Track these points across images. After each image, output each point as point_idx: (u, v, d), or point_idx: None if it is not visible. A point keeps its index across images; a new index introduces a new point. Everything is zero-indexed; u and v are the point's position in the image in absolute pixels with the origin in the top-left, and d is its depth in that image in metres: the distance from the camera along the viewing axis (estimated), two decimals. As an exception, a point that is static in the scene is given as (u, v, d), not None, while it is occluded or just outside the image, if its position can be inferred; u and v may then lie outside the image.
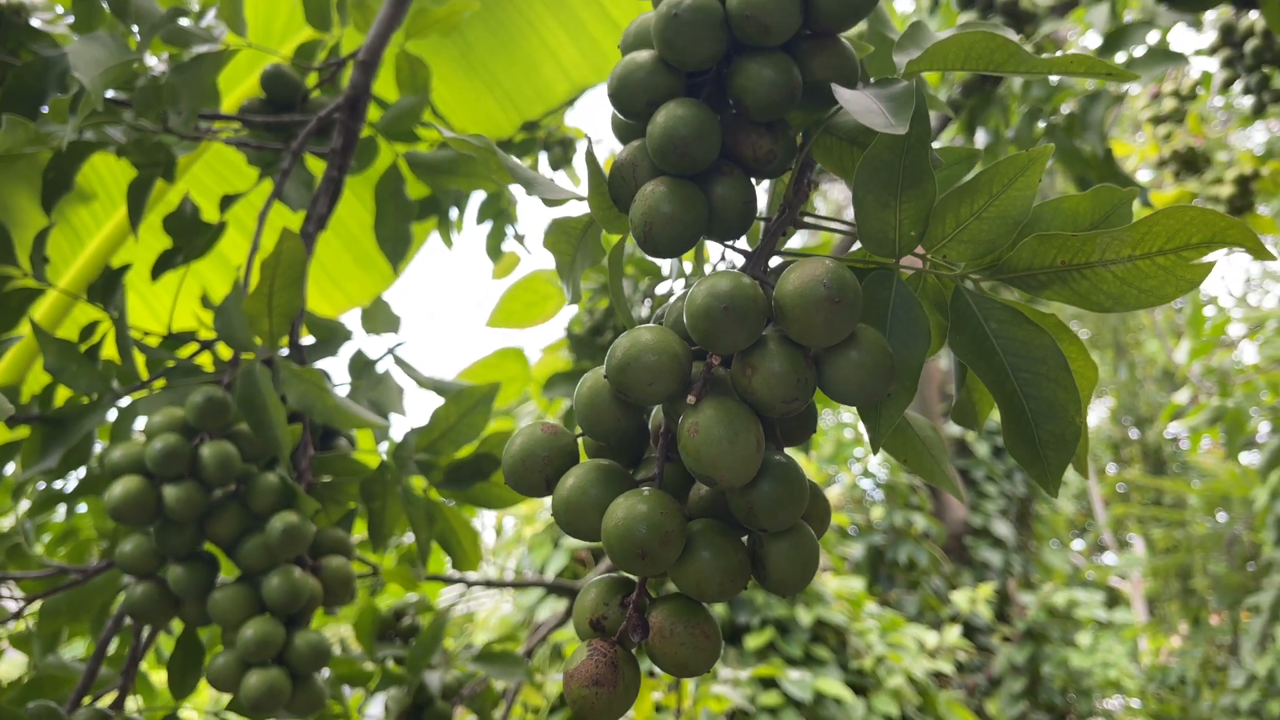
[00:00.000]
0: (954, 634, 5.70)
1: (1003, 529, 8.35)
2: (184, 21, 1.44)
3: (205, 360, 1.48)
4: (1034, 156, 0.66)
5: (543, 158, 2.89)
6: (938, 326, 0.73)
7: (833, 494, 7.48)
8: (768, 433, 0.69)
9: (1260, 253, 0.62)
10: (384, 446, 1.51)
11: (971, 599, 6.82)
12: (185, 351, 1.52)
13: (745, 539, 0.69)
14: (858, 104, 0.66)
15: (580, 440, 0.73)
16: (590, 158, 0.74)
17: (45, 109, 1.41)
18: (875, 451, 0.70)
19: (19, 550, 1.64)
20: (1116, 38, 2.08)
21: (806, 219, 0.75)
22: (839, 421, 8.41)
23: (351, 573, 1.33)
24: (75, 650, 2.44)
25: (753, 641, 5.18)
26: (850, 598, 5.73)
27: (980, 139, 2.43)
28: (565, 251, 0.88)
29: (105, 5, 1.39)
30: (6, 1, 1.49)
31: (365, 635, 1.95)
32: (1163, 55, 2.02)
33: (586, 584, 0.72)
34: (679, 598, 0.67)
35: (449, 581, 2.55)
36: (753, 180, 0.73)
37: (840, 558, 6.71)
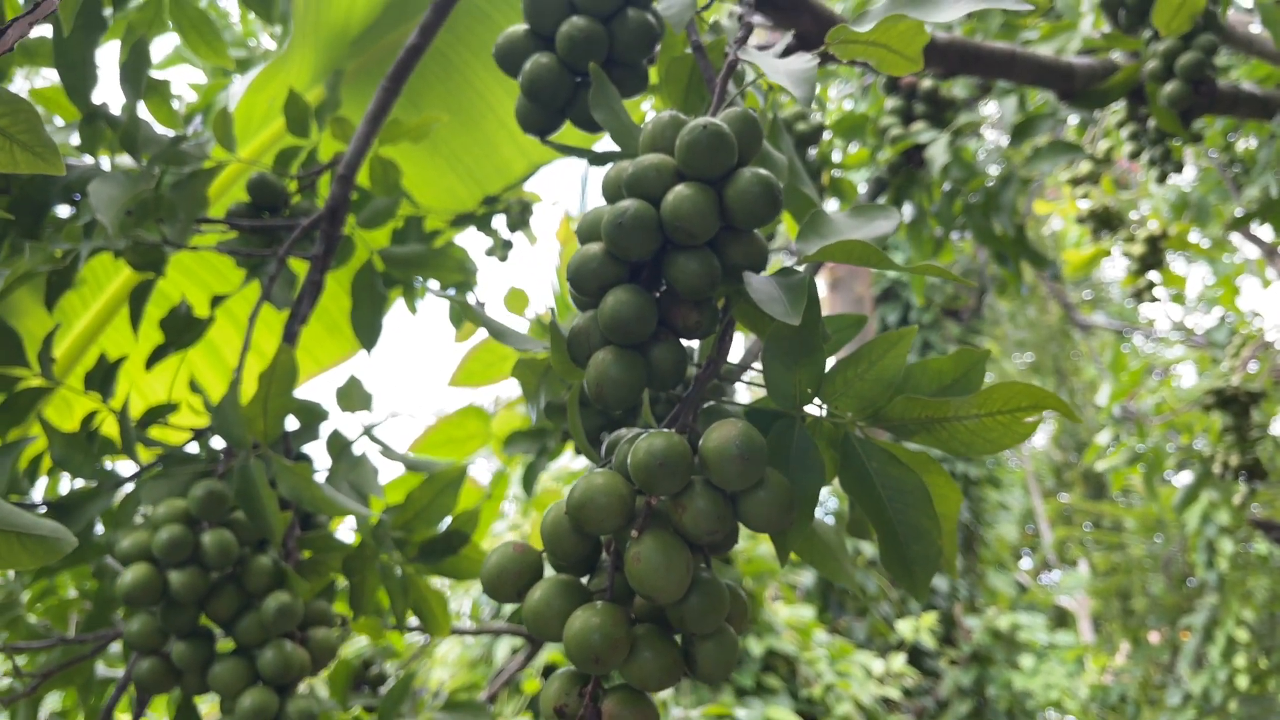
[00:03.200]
0: (899, 662, 5.90)
1: (948, 554, 8.59)
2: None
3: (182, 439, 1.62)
4: (902, 335, 0.84)
5: (500, 220, 3.06)
6: (832, 461, 0.91)
7: (782, 527, 7.67)
8: (696, 552, 0.86)
9: (1071, 416, 0.80)
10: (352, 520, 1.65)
11: (915, 627, 7.04)
12: (180, 437, 1.66)
13: (679, 638, 0.86)
14: (763, 292, 0.84)
15: (544, 556, 0.90)
16: (553, 327, 0.91)
17: (60, 217, 1.55)
18: (783, 564, 0.88)
19: (19, 621, 1.76)
20: (1024, 128, 2.30)
21: (724, 373, 0.93)
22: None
23: (335, 642, 1.48)
24: (49, 704, 2.53)
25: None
26: (800, 627, 5.92)
27: (907, 212, 2.64)
28: (530, 383, 1.05)
29: (109, 128, 1.53)
30: (10, 116, 1.63)
31: (339, 686, 2.08)
32: (1064, 147, 2.23)
33: (555, 675, 0.88)
34: (626, 688, 0.84)
35: (415, 629, 2.68)
36: (683, 342, 0.91)
37: (790, 586, 6.90)
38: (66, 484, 2.04)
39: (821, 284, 10.00)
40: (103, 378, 1.64)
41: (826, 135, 2.73)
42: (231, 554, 1.35)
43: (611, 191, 0.93)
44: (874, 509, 0.86)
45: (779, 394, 0.87)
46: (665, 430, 0.82)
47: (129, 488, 1.52)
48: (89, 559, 1.64)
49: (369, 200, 1.88)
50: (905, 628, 7.16)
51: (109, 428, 1.74)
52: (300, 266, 1.73)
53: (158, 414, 1.69)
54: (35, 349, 1.80)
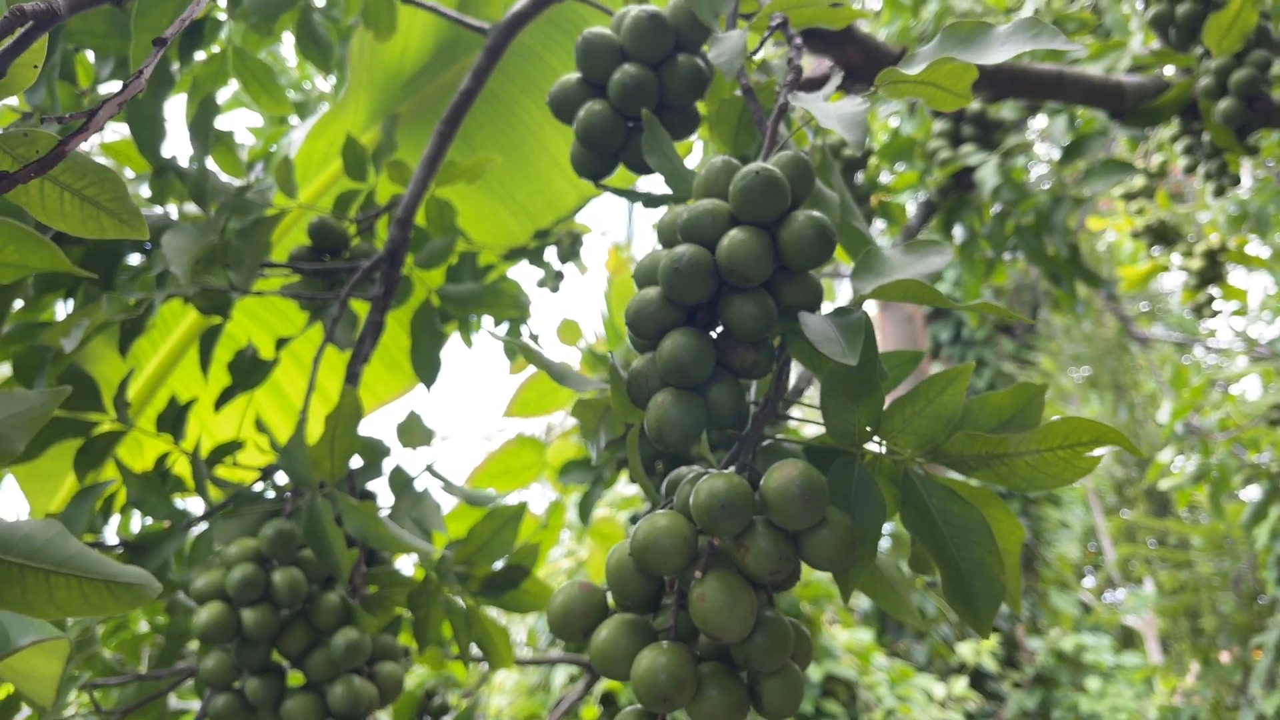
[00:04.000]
0: (961, 685, 5.81)
1: (1009, 575, 8.44)
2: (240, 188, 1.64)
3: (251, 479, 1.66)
4: (959, 372, 0.85)
5: (552, 252, 3.10)
6: (893, 499, 0.91)
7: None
8: (759, 590, 0.87)
9: (1133, 451, 0.80)
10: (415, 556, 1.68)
11: (976, 650, 6.93)
12: (248, 476, 1.70)
13: (745, 675, 0.87)
14: (819, 332, 0.85)
15: (609, 594, 0.91)
16: (613, 369, 0.93)
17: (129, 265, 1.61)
18: (846, 602, 0.88)
19: (97, 657, 1.82)
20: (1075, 148, 2.29)
21: (783, 414, 0.94)
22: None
23: (402, 676, 1.51)
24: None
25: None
26: (859, 650, 5.86)
27: (958, 234, 2.63)
28: (590, 422, 1.07)
29: (178, 180, 1.59)
30: (84, 170, 1.70)
31: (404, 717, 2.11)
32: (1117, 166, 2.22)
33: (623, 713, 0.89)
34: (693, 727, 0.85)
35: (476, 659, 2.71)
36: (741, 382, 0.92)
37: (848, 609, 6.83)
38: (137, 521, 2.10)
39: (871, 305, 9.96)
40: (174, 420, 1.69)
41: (872, 159, 2.74)
42: (301, 592, 1.38)
43: (667, 236, 0.95)
44: (936, 545, 0.86)
45: (838, 432, 0.88)
46: (726, 471, 0.83)
47: (202, 526, 1.57)
48: (163, 595, 1.69)
49: (426, 241, 1.93)
50: (966, 650, 7.04)
51: (181, 467, 1.80)
52: (361, 307, 1.77)
53: (224, 452, 1.74)
54: (109, 393, 1.87)
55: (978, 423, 0.89)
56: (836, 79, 1.01)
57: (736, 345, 0.91)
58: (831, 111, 0.87)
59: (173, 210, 1.71)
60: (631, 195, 1.15)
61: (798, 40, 1.01)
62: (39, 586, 0.80)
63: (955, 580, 0.86)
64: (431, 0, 1.80)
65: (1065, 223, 2.27)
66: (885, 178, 2.96)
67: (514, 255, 2.60)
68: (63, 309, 1.70)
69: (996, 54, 0.86)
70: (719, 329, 0.92)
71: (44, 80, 1.37)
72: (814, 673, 5.41)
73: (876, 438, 0.88)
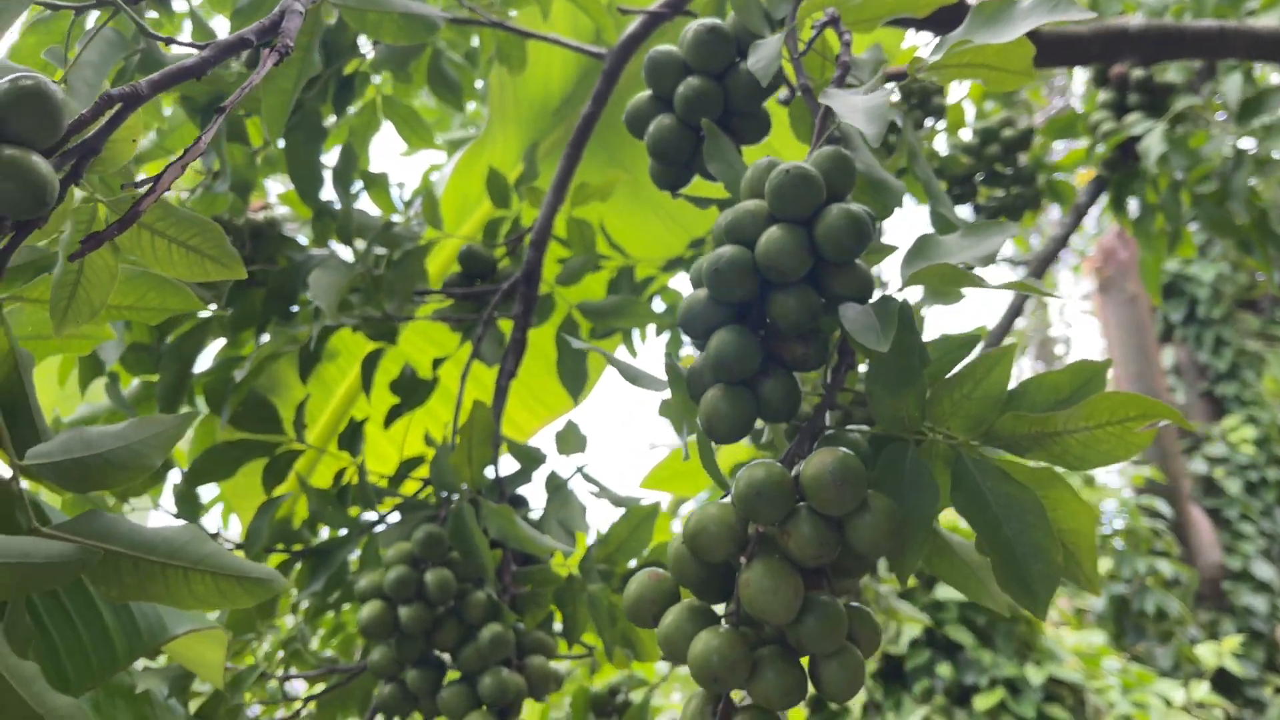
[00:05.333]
0: (1202, 689, 5.37)
1: (1265, 571, 7.73)
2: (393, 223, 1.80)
3: (428, 492, 1.81)
4: (1003, 353, 0.84)
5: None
6: (946, 483, 0.91)
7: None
8: (817, 577, 0.89)
9: (1184, 425, 0.77)
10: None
11: (1218, 652, 6.38)
12: (413, 487, 1.86)
13: (806, 659, 0.89)
14: (857, 321, 0.87)
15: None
16: (671, 369, 0.98)
17: (296, 306, 1.80)
18: (903, 585, 0.89)
19: (299, 653, 2.02)
20: (1252, 106, 2.12)
21: (840, 404, 0.96)
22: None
23: (550, 669, 1.60)
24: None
25: (982, 703, 5.12)
26: (1088, 653, 5.53)
27: (1132, 208, 2.49)
28: (677, 421, 1.12)
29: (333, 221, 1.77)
30: (263, 218, 1.91)
31: (579, 711, 2.22)
32: (1300, 120, 2.04)
33: (691, 696, 0.94)
34: (754, 707, 0.88)
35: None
36: (795, 375, 0.95)
37: (1071, 614, 6.46)
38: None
39: (1090, 285, 9.36)
40: (351, 438, 1.87)
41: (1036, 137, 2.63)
42: (451, 590, 1.50)
43: (718, 238, 0.99)
44: (989, 528, 0.86)
45: (887, 419, 0.89)
46: (766, 460, 0.87)
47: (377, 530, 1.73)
48: (346, 597, 1.87)
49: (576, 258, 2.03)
50: (1205, 652, 6.50)
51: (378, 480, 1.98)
52: (508, 326, 1.89)
53: (409, 469, 1.90)
54: (312, 418, 2.08)
55: (1034, 403, 0.88)
56: (879, 78, 1.01)
57: (785, 339, 0.94)
58: (855, 105, 0.89)
59: (343, 250, 1.90)
60: (708, 203, 1.20)
61: (847, 36, 1.03)
62: (179, 582, 0.93)
63: (1010, 563, 0.85)
64: (555, 33, 1.91)
65: (1246, 188, 2.11)
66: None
67: (671, 266, 2.68)
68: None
69: (1017, 29, 0.85)
70: (768, 326, 0.95)
71: (214, 144, 1.56)
72: (1035, 676, 5.16)
73: (928, 423, 0.89)
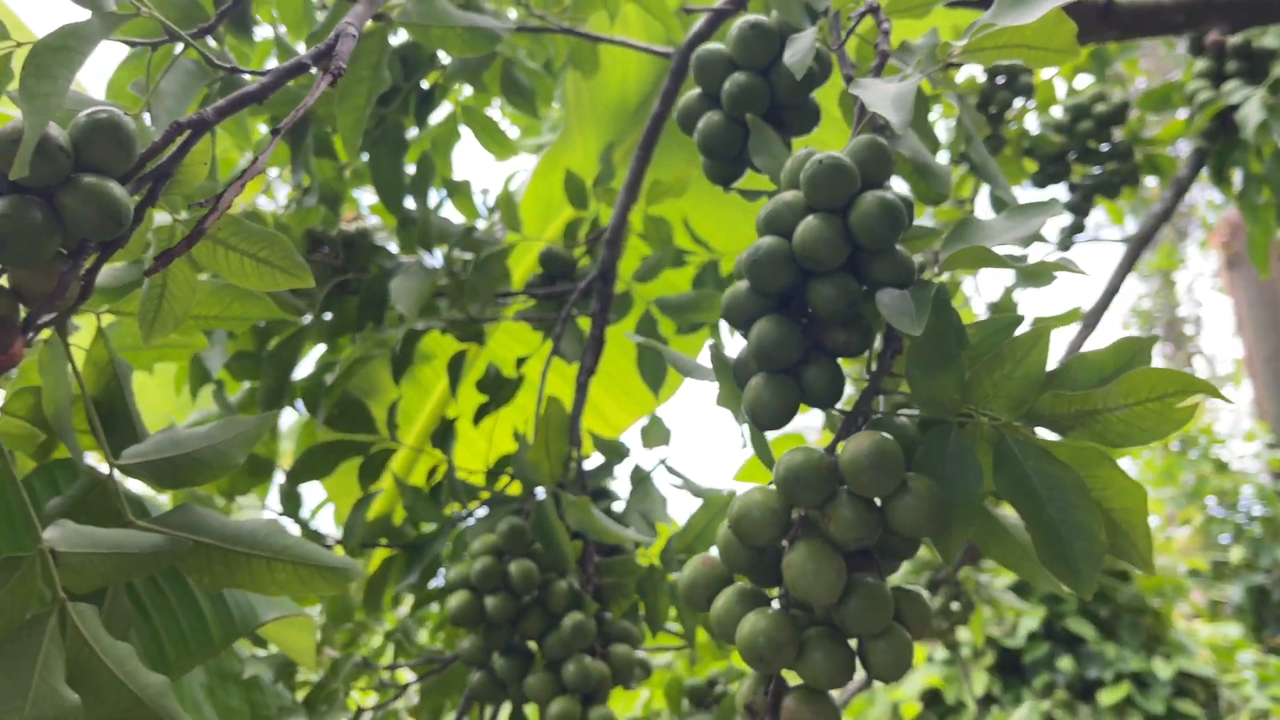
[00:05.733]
0: (1345, 685, 5.08)
1: None
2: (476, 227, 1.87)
3: (516, 488, 1.87)
4: (1040, 333, 0.84)
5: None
6: (989, 464, 0.91)
7: (1183, 537, 6.91)
8: (863, 560, 0.91)
9: (1224, 399, 0.76)
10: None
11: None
12: (501, 482, 1.92)
13: (854, 640, 0.91)
14: (892, 306, 0.88)
15: (733, 568, 0.99)
16: (716, 358, 1.01)
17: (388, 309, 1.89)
18: (949, 565, 0.90)
19: (402, 644, 2.12)
20: (1359, 66, 2.01)
21: (886, 392, 0.97)
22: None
23: (635, 657, 1.64)
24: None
25: (1107, 697, 4.95)
26: (1222, 646, 5.30)
27: (1236, 180, 2.39)
28: (736, 409, 1.15)
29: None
30: (355, 229, 2.00)
31: (672, 701, 2.26)
32: None
33: (746, 677, 0.97)
34: (805, 687, 0.91)
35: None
36: (839, 363, 0.96)
37: (1202, 607, 6.18)
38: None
39: (1218, 261, 8.93)
40: (443, 436, 1.95)
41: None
42: (534, 580, 1.55)
43: (760, 230, 1.01)
44: (1032, 509, 0.86)
45: (927, 401, 0.90)
46: (806, 446, 0.88)
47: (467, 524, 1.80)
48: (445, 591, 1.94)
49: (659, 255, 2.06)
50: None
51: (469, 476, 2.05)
52: (589, 325, 1.94)
53: (504, 465, 1.97)
54: (408, 419, 2.17)
55: (1078, 382, 0.87)
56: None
57: (826, 326, 0.95)
58: (882, 92, 0.90)
59: (432, 257, 1.98)
60: (760, 195, 1.22)
61: (886, 25, 1.04)
62: (263, 570, 0.99)
63: (1054, 543, 0.85)
64: (627, 36, 1.94)
65: (1356, 151, 2.00)
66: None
67: (756, 258, 2.69)
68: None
69: (1041, 8, 0.85)
70: (810, 313, 0.96)
71: (301, 161, 1.66)
72: (1164, 670, 4.97)
73: (969, 405, 0.89)
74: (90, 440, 1.03)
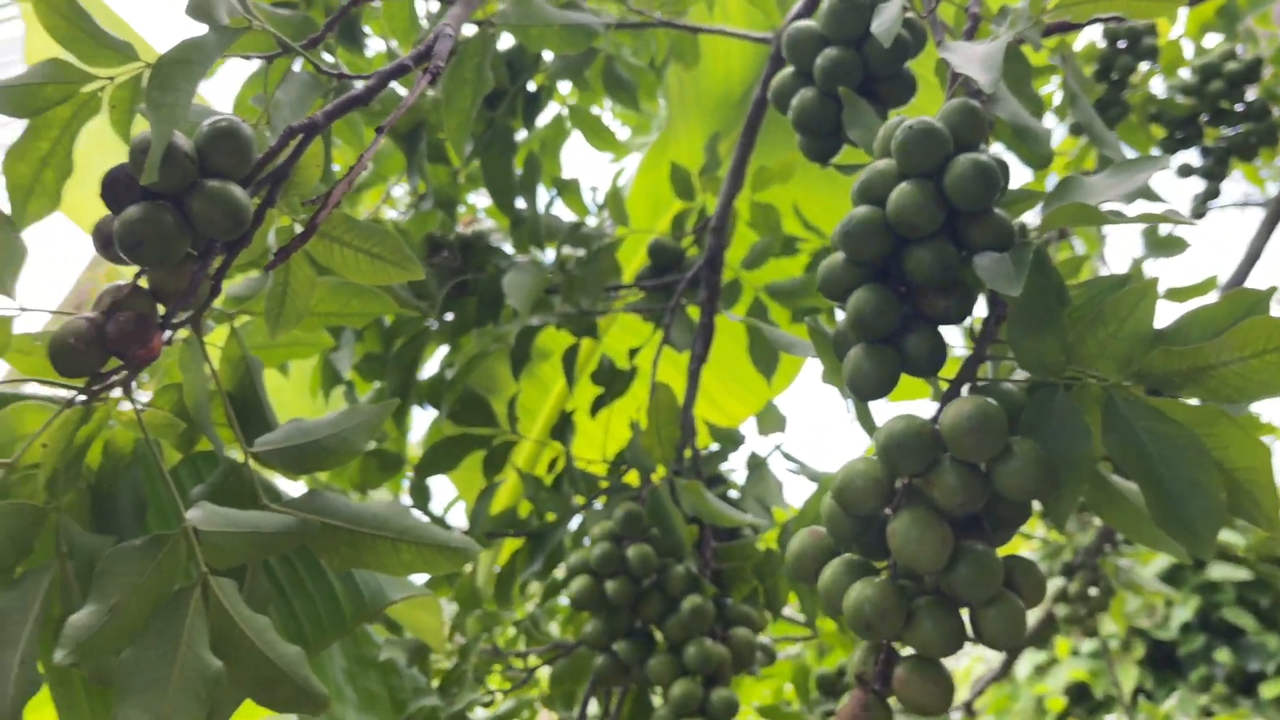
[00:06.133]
0: None
1: None
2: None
3: (632, 477, 1.90)
4: (1145, 288, 0.82)
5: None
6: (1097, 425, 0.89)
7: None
8: (972, 526, 0.90)
9: (1344, 345, 0.72)
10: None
11: None
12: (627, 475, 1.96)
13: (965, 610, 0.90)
14: (989, 269, 0.87)
15: (840, 539, 0.99)
16: (815, 333, 1.01)
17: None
18: (1061, 530, 0.88)
19: (531, 633, 2.17)
20: None
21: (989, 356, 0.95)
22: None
23: (755, 641, 1.65)
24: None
25: (1271, 690, 4.68)
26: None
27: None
28: (839, 383, 1.15)
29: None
30: (471, 231, 2.07)
31: (801, 690, 2.25)
32: None
33: (858, 647, 0.97)
34: (915, 656, 0.90)
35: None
36: (939, 330, 0.95)
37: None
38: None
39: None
40: (561, 428, 2.00)
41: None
42: (651, 564, 1.58)
43: (854, 200, 1.01)
44: (1144, 469, 0.83)
45: (1031, 364, 0.88)
46: (907, 413, 0.88)
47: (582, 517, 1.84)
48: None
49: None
50: None
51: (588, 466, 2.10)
52: (697, 313, 1.96)
53: (622, 455, 2.01)
54: (529, 414, 2.23)
55: (1189, 338, 0.84)
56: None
57: (925, 293, 0.94)
58: (970, 55, 0.89)
59: (549, 254, 2.04)
60: (854, 169, 1.21)
61: (979, -13, 1.02)
62: (389, 551, 1.04)
63: (1169, 503, 0.82)
64: (728, 25, 1.95)
65: None
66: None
67: (870, 242, 2.65)
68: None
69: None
70: (907, 280, 0.95)
71: (416, 168, 1.73)
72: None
73: (1075, 366, 0.87)
74: (228, 433, 1.10)
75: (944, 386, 1.07)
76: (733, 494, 1.83)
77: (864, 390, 0.94)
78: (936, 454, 0.87)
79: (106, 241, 0.85)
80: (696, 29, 1.90)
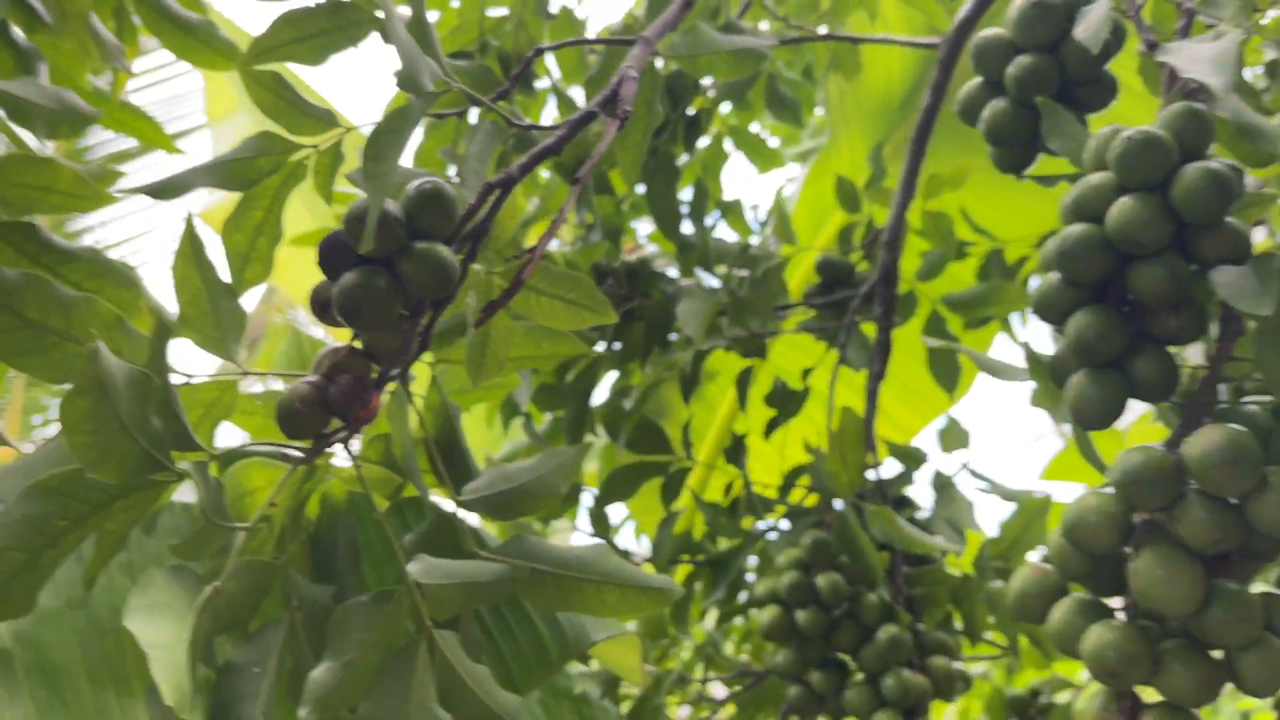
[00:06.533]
0: None
1: None
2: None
3: (811, 499, 1.86)
4: None
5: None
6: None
7: None
8: (1222, 564, 0.83)
9: None
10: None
11: None
12: (797, 495, 1.92)
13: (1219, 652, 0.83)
14: (1231, 285, 0.80)
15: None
16: (1031, 358, 0.96)
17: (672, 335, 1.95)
18: (1328, 568, 0.81)
19: (713, 658, 2.16)
20: None
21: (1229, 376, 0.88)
22: None
23: (954, 669, 1.59)
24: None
25: None
26: None
27: None
28: (1055, 409, 1.09)
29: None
30: (636, 259, 2.08)
31: (994, 713, 2.16)
32: None
33: (1095, 692, 0.91)
34: (1166, 704, 0.84)
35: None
36: (1169, 351, 0.89)
37: None
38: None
39: None
40: (735, 452, 1.98)
41: None
42: (842, 593, 1.54)
43: (1065, 217, 0.95)
44: None
45: (1282, 386, 0.81)
46: (1145, 444, 0.82)
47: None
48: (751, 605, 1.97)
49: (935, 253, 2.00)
50: None
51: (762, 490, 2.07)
52: (873, 330, 1.91)
53: (795, 477, 1.98)
54: (698, 437, 2.22)
55: None
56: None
57: (1154, 312, 0.88)
58: (1199, 56, 0.82)
59: (709, 278, 2.02)
60: (1059, 179, 1.15)
61: (1190, -19, 0.95)
62: (593, 593, 1.04)
63: None
64: (887, 32, 1.90)
65: None
66: None
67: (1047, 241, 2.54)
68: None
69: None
70: (1131, 300, 0.89)
71: (584, 201, 1.74)
72: None
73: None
74: (430, 478, 1.13)
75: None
76: (919, 516, 1.77)
77: (1090, 419, 0.88)
78: (1180, 487, 0.81)
79: (323, 306, 0.88)
80: (858, 39, 1.86)
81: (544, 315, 1.01)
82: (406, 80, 0.80)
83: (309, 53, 0.97)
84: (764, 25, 1.99)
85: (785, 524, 1.83)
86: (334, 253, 0.84)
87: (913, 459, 1.86)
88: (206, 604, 0.75)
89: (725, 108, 2.03)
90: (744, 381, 1.87)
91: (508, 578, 0.96)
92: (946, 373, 1.88)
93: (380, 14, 0.98)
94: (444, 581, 0.90)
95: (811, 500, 1.87)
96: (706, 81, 1.92)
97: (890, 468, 1.90)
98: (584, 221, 1.85)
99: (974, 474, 1.86)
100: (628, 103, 0.96)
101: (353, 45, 1.00)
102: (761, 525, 1.84)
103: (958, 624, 1.72)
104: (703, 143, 2.03)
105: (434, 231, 0.86)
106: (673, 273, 2.08)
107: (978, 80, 1.15)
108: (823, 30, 1.80)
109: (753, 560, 1.85)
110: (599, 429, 2.07)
